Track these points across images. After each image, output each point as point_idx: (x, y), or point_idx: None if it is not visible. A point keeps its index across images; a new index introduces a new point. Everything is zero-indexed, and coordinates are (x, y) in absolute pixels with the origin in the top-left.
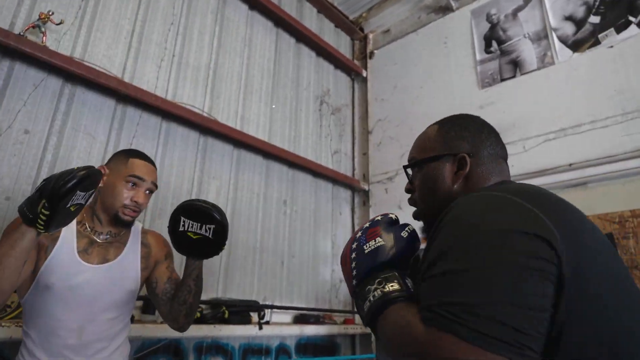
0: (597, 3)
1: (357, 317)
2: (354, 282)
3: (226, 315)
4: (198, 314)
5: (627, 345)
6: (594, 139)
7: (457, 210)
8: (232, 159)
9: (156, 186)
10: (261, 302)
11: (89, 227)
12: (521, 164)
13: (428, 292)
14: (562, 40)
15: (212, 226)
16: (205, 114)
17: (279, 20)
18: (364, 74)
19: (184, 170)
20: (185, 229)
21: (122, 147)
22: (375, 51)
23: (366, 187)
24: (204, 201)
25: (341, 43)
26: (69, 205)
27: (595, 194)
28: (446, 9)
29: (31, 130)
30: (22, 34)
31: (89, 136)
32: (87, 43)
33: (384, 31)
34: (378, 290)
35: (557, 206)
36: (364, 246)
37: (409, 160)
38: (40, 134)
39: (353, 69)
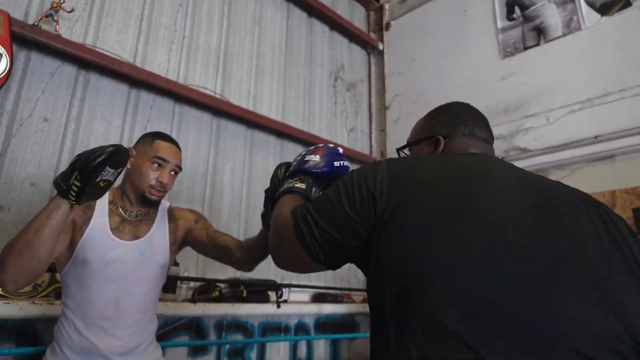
0: None
1: None
2: (287, 174)
3: (245, 294)
4: (217, 293)
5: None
6: (623, 110)
7: None
8: (245, 140)
9: (180, 168)
10: (279, 282)
11: (120, 206)
12: (545, 137)
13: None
14: (590, 3)
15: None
16: (217, 96)
17: None
18: (380, 47)
19: (199, 152)
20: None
21: (137, 131)
22: (392, 22)
23: None
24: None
25: (355, 15)
26: (98, 179)
27: (623, 167)
28: None
29: (50, 118)
30: (36, 23)
31: (105, 121)
32: (99, 29)
33: (401, 0)
34: (289, 183)
35: (416, 169)
36: (307, 156)
37: (403, 145)
38: (59, 121)
39: (369, 42)
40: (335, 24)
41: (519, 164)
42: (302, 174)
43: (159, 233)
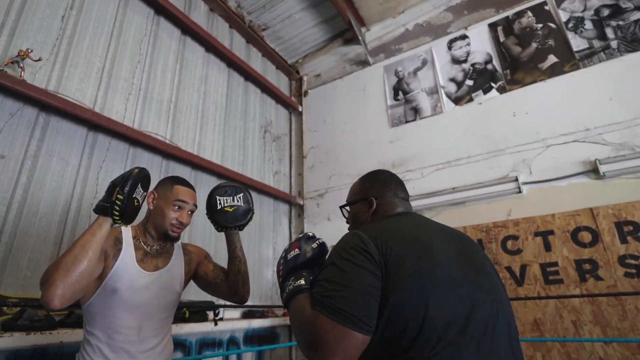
0: (471, 71)
1: None
2: (280, 279)
3: (187, 315)
4: None
5: (424, 328)
6: (470, 170)
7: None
8: (190, 180)
9: (196, 206)
10: (216, 302)
11: (142, 241)
12: (419, 187)
13: (315, 289)
14: (448, 96)
15: (241, 194)
16: (167, 141)
17: (231, 62)
18: (300, 109)
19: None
20: (222, 205)
21: (93, 170)
22: (309, 91)
23: (301, 202)
24: (224, 182)
25: (281, 82)
26: (134, 195)
27: (470, 210)
28: (365, 63)
29: (7, 155)
30: (1, 68)
31: (62, 160)
32: (61, 77)
33: (316, 75)
34: (291, 285)
35: (389, 232)
36: (287, 255)
37: (344, 203)
38: (15, 158)
39: (291, 105)
40: (266, 88)
41: None
42: (293, 272)
43: (177, 264)
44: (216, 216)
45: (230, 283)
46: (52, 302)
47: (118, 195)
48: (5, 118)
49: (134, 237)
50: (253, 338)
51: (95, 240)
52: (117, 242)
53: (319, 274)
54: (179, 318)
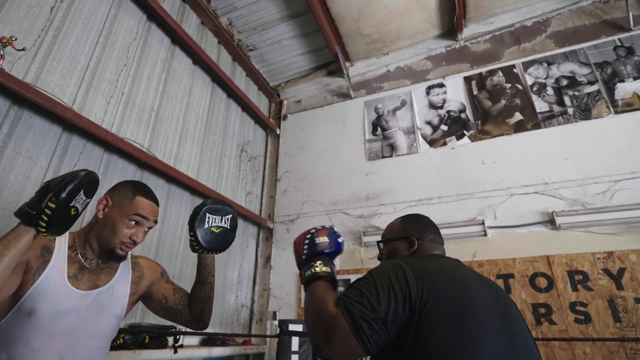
0: (445, 117)
1: (254, 339)
2: (303, 257)
3: (146, 341)
4: (121, 340)
5: None
6: (440, 209)
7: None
8: (163, 193)
9: (156, 222)
10: (175, 326)
11: (80, 254)
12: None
13: (347, 290)
14: (424, 137)
15: (229, 216)
16: (145, 150)
17: (216, 77)
18: (277, 132)
19: None
20: (210, 224)
21: (63, 173)
22: (289, 115)
23: (271, 226)
24: (215, 199)
25: (261, 103)
26: (72, 203)
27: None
28: (346, 96)
29: None
30: None
31: (29, 160)
32: (42, 70)
33: (297, 101)
34: (315, 268)
35: (427, 269)
36: (315, 239)
37: (382, 237)
38: None
39: (269, 126)
40: (247, 107)
41: (374, 238)
42: (319, 257)
43: (121, 283)
44: (201, 234)
45: (196, 310)
46: None
47: (49, 203)
48: None
49: (70, 247)
50: None
51: (10, 253)
52: (45, 252)
53: (357, 280)
54: (138, 344)
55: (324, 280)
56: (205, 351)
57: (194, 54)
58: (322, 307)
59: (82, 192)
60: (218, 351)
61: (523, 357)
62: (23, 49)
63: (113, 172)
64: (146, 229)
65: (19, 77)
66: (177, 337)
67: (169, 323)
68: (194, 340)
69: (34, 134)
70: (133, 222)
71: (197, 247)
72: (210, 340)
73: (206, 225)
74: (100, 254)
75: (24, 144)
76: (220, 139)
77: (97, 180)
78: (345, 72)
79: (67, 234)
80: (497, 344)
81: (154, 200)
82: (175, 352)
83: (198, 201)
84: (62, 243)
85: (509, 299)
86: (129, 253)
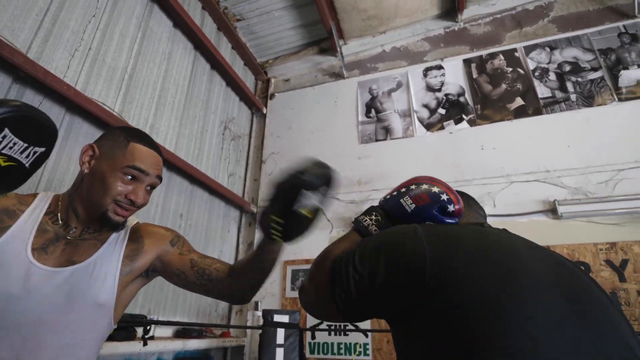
0: (444, 100)
1: (233, 331)
2: (381, 201)
3: (111, 332)
4: None
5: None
6: None
7: None
8: None
9: (161, 180)
10: (147, 315)
11: (61, 219)
12: None
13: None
14: (420, 121)
15: (326, 193)
16: (115, 114)
17: (199, 44)
18: (264, 111)
19: None
20: (307, 206)
21: None
22: (276, 94)
23: (254, 210)
24: (315, 162)
25: (247, 80)
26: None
27: None
28: (338, 76)
29: None
30: None
31: None
32: None
33: (285, 80)
34: (368, 219)
35: (448, 237)
36: (406, 197)
37: None
38: None
39: (255, 104)
40: (232, 81)
41: None
42: (387, 211)
43: (107, 258)
44: (291, 220)
45: (240, 292)
46: None
47: None
48: None
49: (47, 213)
50: None
51: None
52: (6, 217)
53: (370, 239)
54: None
55: (358, 234)
56: (179, 343)
57: (176, 16)
58: (328, 249)
59: (5, 129)
60: (194, 344)
61: (609, 349)
62: None
63: (76, 136)
64: (147, 188)
65: None
66: (147, 327)
67: (137, 311)
68: (167, 331)
69: None
70: (129, 177)
71: (275, 234)
72: (185, 332)
73: (301, 209)
74: (87, 221)
75: None
76: (202, 113)
77: (41, 119)
78: (338, 50)
79: (50, 196)
80: (559, 337)
81: (156, 148)
82: (145, 344)
83: (176, 178)
84: (38, 207)
85: (584, 277)
86: (129, 220)
